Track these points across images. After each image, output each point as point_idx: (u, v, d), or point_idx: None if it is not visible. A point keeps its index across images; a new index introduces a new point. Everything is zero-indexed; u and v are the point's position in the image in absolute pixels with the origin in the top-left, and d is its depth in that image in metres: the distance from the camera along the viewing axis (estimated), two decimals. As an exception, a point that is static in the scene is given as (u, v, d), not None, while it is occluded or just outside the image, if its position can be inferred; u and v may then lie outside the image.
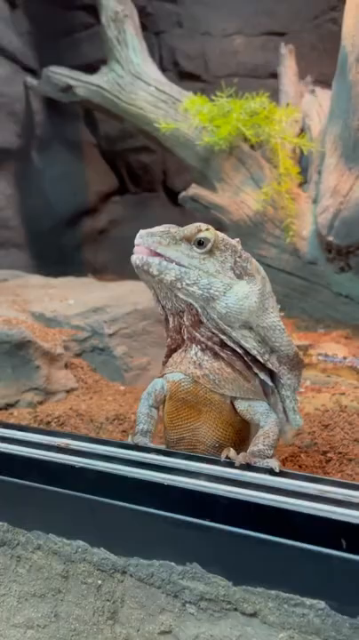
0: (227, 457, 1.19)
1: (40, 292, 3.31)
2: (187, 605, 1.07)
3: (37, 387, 2.27)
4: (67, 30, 5.14)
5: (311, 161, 3.83)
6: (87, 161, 5.48)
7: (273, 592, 0.99)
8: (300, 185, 3.84)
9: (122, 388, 2.45)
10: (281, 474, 1.10)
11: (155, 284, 1.26)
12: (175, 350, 1.36)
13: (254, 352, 1.31)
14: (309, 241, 3.54)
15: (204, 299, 1.26)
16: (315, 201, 3.64)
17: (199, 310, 1.27)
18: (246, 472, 1.10)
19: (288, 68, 4.43)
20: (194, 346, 1.31)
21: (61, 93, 4.63)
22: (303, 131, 4.08)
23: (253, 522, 1.00)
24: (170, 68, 5.41)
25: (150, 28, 5.29)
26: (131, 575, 1.11)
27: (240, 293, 1.28)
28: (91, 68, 4.62)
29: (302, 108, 4.20)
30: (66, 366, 2.44)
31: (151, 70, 4.41)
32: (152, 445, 1.31)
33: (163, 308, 1.31)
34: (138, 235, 1.25)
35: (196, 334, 1.29)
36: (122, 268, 5.05)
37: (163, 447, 1.39)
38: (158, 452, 1.23)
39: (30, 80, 4.78)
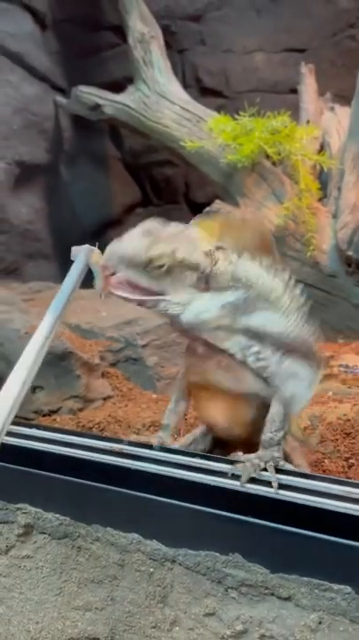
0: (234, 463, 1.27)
1: (72, 303, 3.48)
2: (230, 590, 1.23)
3: (78, 394, 2.44)
4: (95, 50, 5.35)
5: (331, 177, 3.97)
6: (112, 174, 5.67)
7: (305, 579, 1.14)
8: (320, 200, 3.99)
9: (154, 396, 2.62)
10: (310, 477, 1.26)
11: None
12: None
13: (233, 350, 1.31)
14: (329, 255, 3.68)
15: (168, 316, 1.31)
16: (334, 216, 3.78)
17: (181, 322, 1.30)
18: (278, 474, 1.25)
19: (308, 86, 4.58)
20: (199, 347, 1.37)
21: (90, 112, 4.83)
22: (323, 147, 4.23)
23: (288, 518, 1.16)
24: (192, 84, 5.59)
25: (174, 46, 5.48)
26: (179, 564, 1.28)
27: (201, 308, 1.28)
28: (118, 86, 4.81)
29: (322, 125, 4.34)
30: (102, 375, 2.61)
31: (176, 89, 4.60)
32: (153, 441, 1.43)
33: None
34: (111, 254, 1.31)
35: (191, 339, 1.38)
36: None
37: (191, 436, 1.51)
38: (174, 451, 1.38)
39: (60, 99, 4.99)
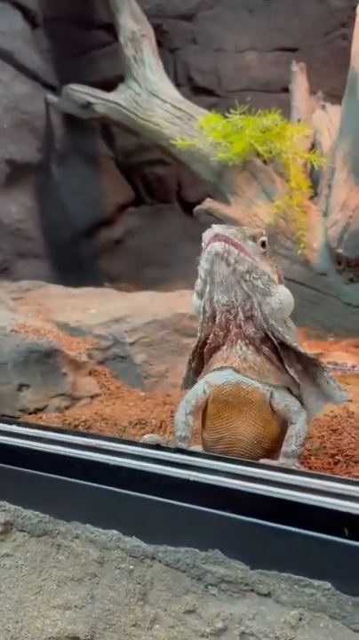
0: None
1: (62, 301, 3.48)
2: (210, 587, 1.21)
3: (64, 392, 2.43)
4: (86, 48, 5.34)
5: (321, 175, 3.97)
6: (104, 173, 5.66)
7: (285, 574, 1.13)
8: (311, 198, 3.99)
9: (142, 394, 2.60)
10: (291, 472, 1.25)
11: (224, 275, 1.37)
12: (215, 350, 1.48)
13: (294, 345, 1.45)
14: (320, 253, 3.68)
15: (263, 293, 1.40)
16: (325, 214, 3.78)
17: (255, 304, 1.40)
18: (261, 470, 1.24)
19: (299, 84, 4.58)
20: (239, 341, 1.43)
21: (81, 110, 4.83)
22: (314, 145, 4.23)
23: (268, 513, 1.14)
24: (184, 83, 5.59)
25: (165, 45, 5.48)
26: (159, 561, 1.26)
27: (286, 293, 1.46)
28: (109, 85, 4.81)
29: (313, 124, 4.35)
30: (90, 373, 2.59)
31: (167, 88, 4.59)
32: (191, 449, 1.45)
33: (212, 304, 1.43)
34: (215, 228, 1.37)
35: (247, 328, 1.42)
36: (136, 278, 5.25)
37: (199, 449, 1.53)
38: (196, 454, 1.37)
39: (51, 97, 4.98)
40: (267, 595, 1.15)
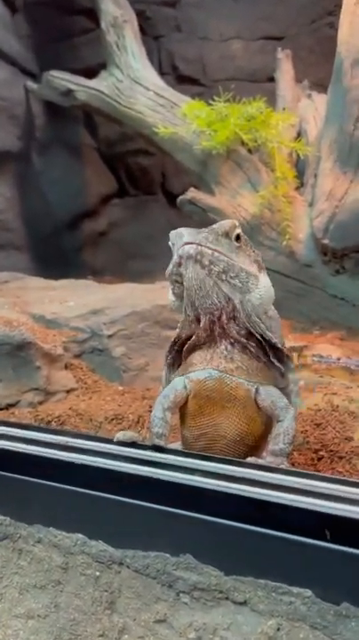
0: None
1: (40, 293, 3.37)
2: (181, 595, 1.12)
3: (38, 387, 2.32)
4: (67, 34, 5.21)
5: (307, 165, 3.88)
6: (87, 164, 5.54)
7: (262, 581, 1.04)
8: (297, 188, 3.90)
9: (120, 388, 2.50)
10: (267, 469, 1.15)
11: (199, 278, 1.30)
12: (194, 349, 1.40)
13: (274, 340, 1.39)
14: (305, 244, 3.59)
15: (243, 291, 1.34)
16: (311, 204, 3.69)
17: (236, 304, 1.34)
18: (235, 467, 1.15)
19: (285, 72, 4.48)
20: (223, 341, 1.37)
21: (61, 97, 4.69)
22: (300, 135, 4.14)
23: (243, 515, 1.05)
24: (168, 71, 5.48)
25: (149, 32, 5.36)
26: (127, 566, 1.16)
27: (266, 285, 1.39)
28: (91, 72, 4.68)
29: (299, 112, 4.25)
30: (65, 367, 2.49)
31: (150, 75, 4.48)
32: (169, 447, 1.37)
33: (194, 309, 1.36)
34: (184, 234, 1.30)
35: (230, 329, 1.35)
36: (121, 270, 5.14)
37: (178, 446, 1.45)
38: (176, 452, 1.29)
39: (31, 84, 4.84)
40: (243, 603, 1.06)
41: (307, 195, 3.78)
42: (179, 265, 1.30)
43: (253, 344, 1.38)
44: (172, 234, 1.34)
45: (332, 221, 3.37)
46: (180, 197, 3.95)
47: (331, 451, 1.73)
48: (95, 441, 1.28)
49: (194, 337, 1.40)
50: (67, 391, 2.42)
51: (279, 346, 1.40)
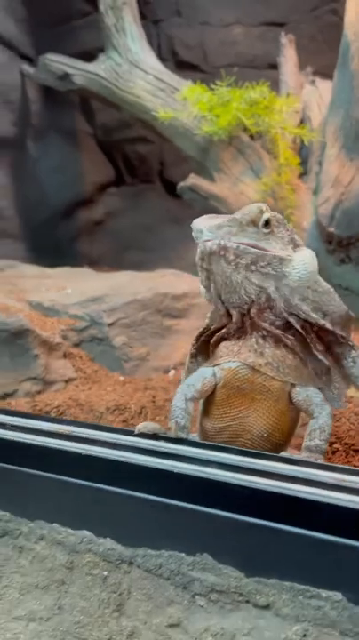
0: None
1: (36, 281, 3.28)
2: (197, 597, 1.04)
3: (36, 376, 2.24)
4: (65, 18, 5.07)
5: (311, 152, 3.80)
6: (83, 151, 5.42)
7: (287, 583, 0.96)
8: (300, 176, 3.81)
9: (121, 378, 2.42)
10: (290, 461, 1.07)
11: (226, 273, 1.21)
12: (223, 339, 1.32)
13: (321, 322, 1.29)
14: (309, 232, 3.51)
15: (278, 277, 1.24)
16: (315, 192, 3.61)
17: (271, 293, 1.25)
18: (253, 459, 1.06)
19: (288, 58, 4.38)
20: (254, 333, 1.28)
21: (58, 81, 4.57)
22: (303, 121, 4.04)
23: (267, 510, 0.97)
24: (168, 57, 5.35)
25: (149, 16, 5.23)
26: (138, 566, 1.08)
27: (305, 262, 1.28)
28: (89, 56, 4.56)
29: (302, 99, 4.16)
30: (64, 356, 2.40)
31: (149, 59, 4.36)
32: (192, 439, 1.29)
33: (223, 303, 1.28)
34: (204, 229, 1.20)
35: (261, 322, 1.27)
36: (117, 261, 5.03)
37: (195, 438, 1.37)
38: (201, 445, 1.21)
39: (27, 68, 4.72)
40: (266, 607, 0.98)
41: (311, 182, 3.69)
42: (203, 260, 1.22)
43: (291, 336, 1.28)
44: (193, 226, 1.24)
45: (338, 208, 3.29)
46: (181, 184, 3.86)
47: (346, 443, 1.65)
48: (103, 431, 1.19)
49: (224, 329, 1.32)
50: (66, 381, 2.34)
51: (329, 327, 1.29)
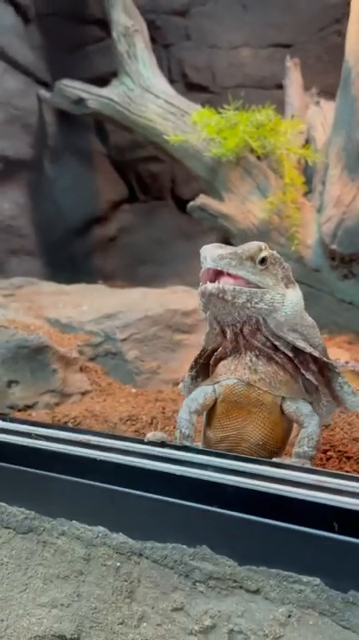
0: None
1: (54, 298, 3.45)
2: (197, 584, 1.19)
3: (54, 389, 2.40)
4: (79, 44, 5.29)
5: (316, 171, 3.95)
6: (98, 170, 5.62)
7: (273, 570, 1.10)
8: (305, 194, 3.96)
9: (133, 390, 2.58)
10: (279, 465, 1.22)
11: (221, 310, 1.35)
12: (221, 359, 1.46)
13: (308, 349, 1.42)
14: (314, 249, 3.66)
15: (268, 312, 1.37)
16: (319, 210, 3.76)
17: (260, 321, 1.38)
18: (247, 463, 1.22)
19: (293, 80, 4.55)
20: (248, 352, 1.41)
21: (73, 105, 4.79)
22: (308, 142, 4.20)
23: (256, 508, 1.12)
24: (178, 79, 5.55)
25: (159, 40, 5.43)
26: (146, 557, 1.23)
27: (294, 301, 1.41)
28: (102, 81, 4.77)
29: (307, 120, 4.31)
30: (80, 370, 2.57)
31: (160, 83, 4.56)
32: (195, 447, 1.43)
33: (218, 323, 1.41)
34: (208, 258, 1.33)
35: (254, 342, 1.40)
36: (131, 275, 5.21)
37: (199, 446, 1.50)
38: (202, 452, 1.35)
39: (43, 93, 4.94)
40: (256, 591, 1.13)
41: (315, 201, 3.84)
42: (203, 296, 1.35)
43: (281, 355, 1.42)
44: (201, 251, 1.37)
45: (340, 227, 3.44)
46: (190, 204, 4.03)
47: (340, 451, 1.79)
48: (116, 439, 1.36)
49: (220, 349, 1.46)
50: (83, 393, 2.50)
51: (316, 354, 1.42)
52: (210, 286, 1.33)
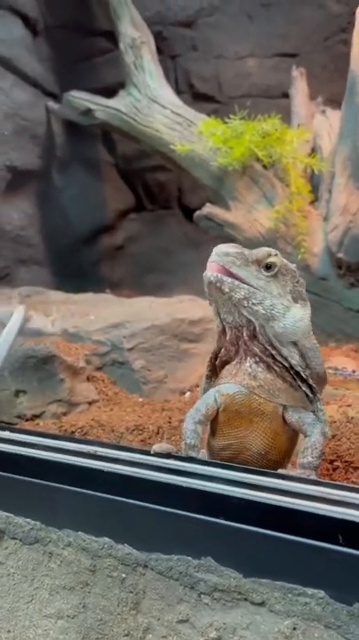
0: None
1: (62, 307, 3.47)
2: (203, 596, 1.19)
3: (61, 398, 2.41)
4: (87, 56, 5.35)
5: (322, 180, 3.96)
6: (105, 180, 5.66)
7: (278, 583, 1.10)
8: (311, 203, 3.97)
9: (140, 399, 2.58)
10: (284, 477, 1.22)
11: (223, 300, 1.37)
12: (227, 362, 1.47)
13: (298, 368, 1.43)
14: (320, 257, 3.66)
15: (266, 318, 1.37)
16: (325, 219, 3.76)
17: (257, 327, 1.39)
18: (252, 475, 1.22)
19: (299, 89, 4.57)
20: (248, 358, 1.42)
21: (81, 116, 4.83)
22: (314, 150, 4.21)
23: (262, 520, 1.12)
24: (185, 89, 5.59)
25: (166, 51, 5.48)
26: (152, 569, 1.24)
27: (297, 316, 1.40)
28: (110, 92, 4.81)
29: (313, 129, 4.33)
30: (87, 379, 2.58)
31: (167, 94, 4.59)
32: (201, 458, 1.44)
33: (221, 320, 1.42)
34: (214, 252, 1.35)
35: (253, 347, 1.41)
36: (138, 284, 5.23)
37: (203, 454, 1.51)
38: (207, 463, 1.36)
39: (52, 104, 4.99)
40: (261, 604, 1.13)
41: (321, 209, 3.85)
42: (205, 284, 1.36)
43: (279, 364, 1.42)
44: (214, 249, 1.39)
45: (347, 235, 3.44)
46: (197, 213, 4.04)
47: (346, 461, 1.78)
48: (122, 450, 1.36)
49: (222, 350, 1.47)
50: (90, 403, 2.50)
51: (303, 375, 1.43)
52: (209, 274, 1.34)
